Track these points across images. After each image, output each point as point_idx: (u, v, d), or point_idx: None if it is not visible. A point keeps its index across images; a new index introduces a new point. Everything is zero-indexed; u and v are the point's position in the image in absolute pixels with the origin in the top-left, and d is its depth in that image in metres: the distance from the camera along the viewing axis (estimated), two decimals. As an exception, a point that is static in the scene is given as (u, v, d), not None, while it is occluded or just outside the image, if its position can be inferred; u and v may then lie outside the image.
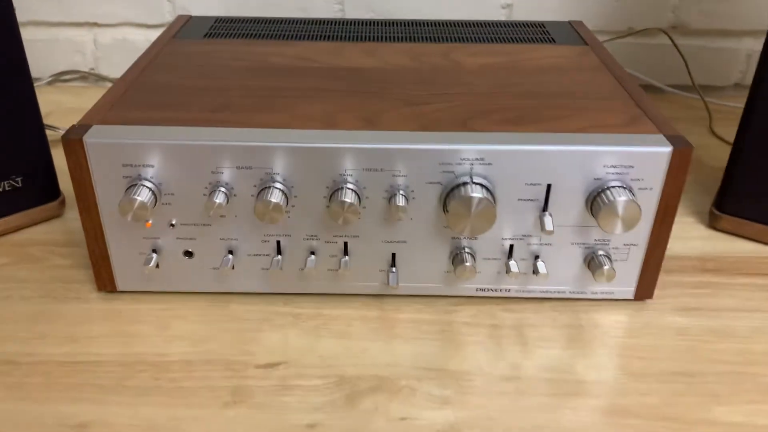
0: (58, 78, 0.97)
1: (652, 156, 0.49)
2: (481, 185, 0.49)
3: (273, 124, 0.51)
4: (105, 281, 0.55)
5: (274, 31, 0.73)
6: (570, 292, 0.56)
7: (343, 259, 0.53)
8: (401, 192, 0.50)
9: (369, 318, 0.55)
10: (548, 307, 0.56)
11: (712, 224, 0.66)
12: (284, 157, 0.49)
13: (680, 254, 0.62)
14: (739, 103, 0.90)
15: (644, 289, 0.55)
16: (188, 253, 0.54)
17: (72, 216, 0.67)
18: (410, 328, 0.54)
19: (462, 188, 0.49)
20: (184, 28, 0.73)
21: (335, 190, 0.50)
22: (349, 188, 0.50)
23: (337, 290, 0.56)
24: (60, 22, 0.92)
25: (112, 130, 0.50)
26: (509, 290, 0.56)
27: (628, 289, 0.55)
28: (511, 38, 0.71)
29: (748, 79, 0.94)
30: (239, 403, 0.47)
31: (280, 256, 0.54)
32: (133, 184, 0.50)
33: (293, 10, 0.91)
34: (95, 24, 0.92)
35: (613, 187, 0.49)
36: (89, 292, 0.57)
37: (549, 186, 0.50)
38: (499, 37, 0.72)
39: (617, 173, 0.50)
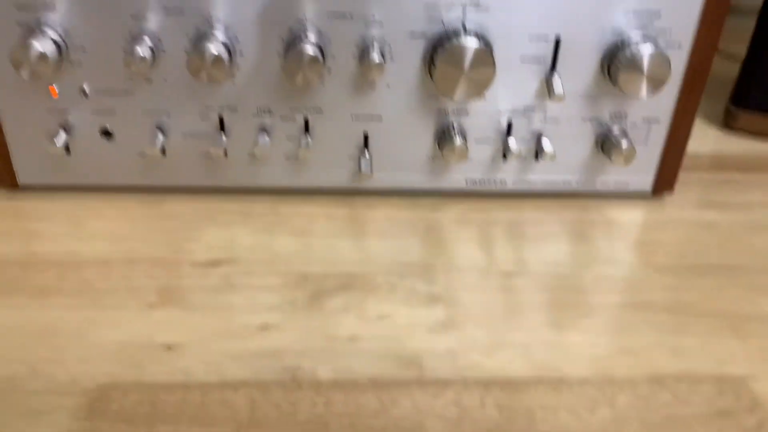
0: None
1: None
2: (477, 35, 0.39)
3: (213, -38, 0.41)
4: (2, 172, 0.44)
5: None
6: (577, 183, 0.46)
7: (303, 140, 0.43)
8: (376, 46, 0.40)
9: (336, 216, 0.44)
10: (552, 203, 0.46)
11: (729, 123, 0.58)
12: (227, -4, 0.39)
13: (696, 153, 0.54)
14: (737, 18, 0.82)
15: (665, 180, 0.46)
16: (107, 133, 0.43)
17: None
18: (387, 226, 0.44)
19: (453, 38, 0.39)
20: None
21: (292, 42, 0.39)
22: (309, 40, 0.39)
23: (297, 183, 0.45)
24: None
25: (2, -38, 0.39)
26: (505, 182, 0.46)
27: (647, 179, 0.46)
28: None
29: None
30: (168, 303, 0.36)
31: (224, 136, 0.43)
32: (30, 31, 0.39)
33: None
34: None
35: (636, 38, 0.40)
36: (-17, 189, 0.45)
37: (557, 41, 0.41)
38: None
39: (639, 22, 0.40)
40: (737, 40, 0.60)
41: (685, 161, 0.49)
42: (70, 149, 0.43)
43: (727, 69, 0.62)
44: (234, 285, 0.38)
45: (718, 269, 0.41)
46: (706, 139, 0.57)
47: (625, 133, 0.44)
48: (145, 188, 0.45)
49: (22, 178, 0.44)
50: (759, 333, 0.36)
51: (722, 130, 0.58)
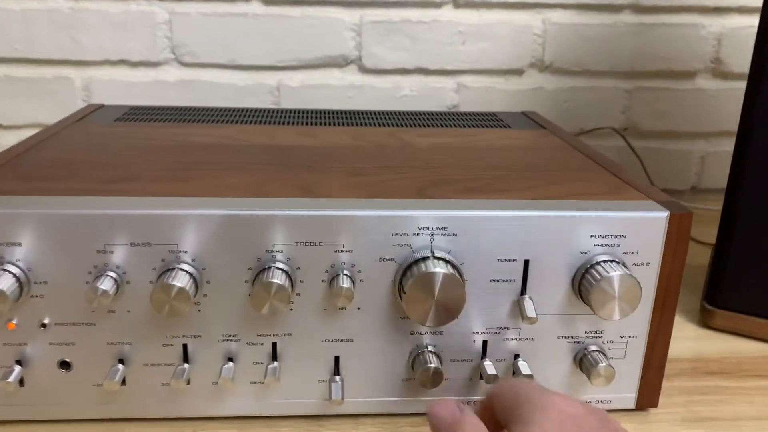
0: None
1: (646, 222, 0.41)
2: (445, 260, 0.39)
3: (184, 193, 0.41)
4: (-53, 408, 0.41)
5: (200, 116, 0.64)
6: (558, 402, 0.44)
7: (270, 366, 0.41)
8: (345, 272, 0.40)
9: (305, 446, 0.42)
10: (533, 423, 0.44)
11: (705, 321, 0.57)
12: (194, 229, 0.39)
13: (676, 356, 0.53)
14: (701, 204, 0.85)
15: (647, 396, 0.45)
16: (65, 365, 0.41)
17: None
18: (360, 457, 0.41)
19: (422, 264, 0.39)
20: (92, 114, 0.64)
21: (260, 271, 0.39)
22: (278, 268, 0.39)
23: (263, 412, 0.43)
24: (-43, 124, 0.82)
25: (-30, 200, 0.39)
26: (483, 402, 0.44)
27: (629, 396, 0.45)
28: (462, 124, 0.65)
29: (704, 182, 0.91)
30: None
31: (186, 365, 0.41)
32: (-10, 269, 0.38)
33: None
34: (-2, 126, 0.83)
35: (604, 261, 0.40)
36: (-75, 425, 0.42)
37: (527, 262, 0.41)
38: (448, 123, 0.65)
39: (607, 245, 0.41)
40: (710, 223, 0.61)
41: (667, 367, 0.48)
42: (24, 382, 0.41)
43: (701, 254, 0.63)
44: None
45: (716, 503, 0.38)
46: (685, 340, 0.56)
47: (602, 353, 0.43)
48: (102, 419, 0.42)
49: (-32, 413, 0.41)
50: None
51: (701, 327, 0.58)
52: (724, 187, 0.89)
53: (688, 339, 0.56)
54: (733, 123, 0.89)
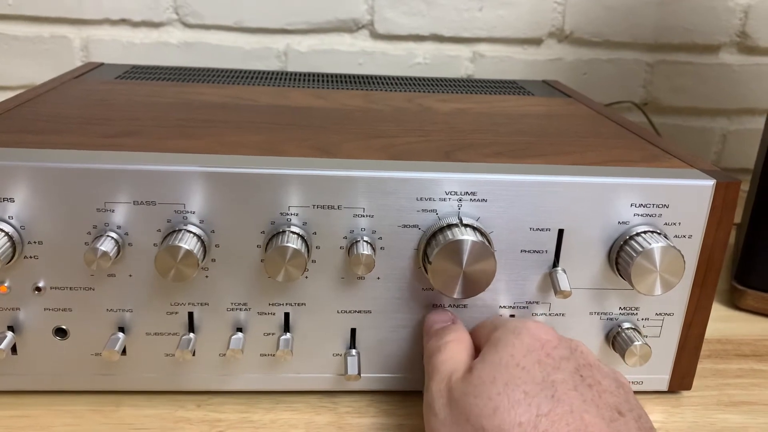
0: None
1: (691, 191, 0.38)
2: (474, 228, 0.36)
3: (191, 150, 0.38)
4: (-66, 376, 0.38)
5: (205, 77, 0.61)
6: (587, 383, 0.42)
7: (282, 337, 0.38)
8: (365, 238, 0.37)
9: (318, 425, 0.39)
10: (559, 404, 0.41)
11: (735, 302, 0.55)
12: (203, 187, 0.35)
13: (706, 337, 0.50)
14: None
15: (681, 378, 0.42)
16: (61, 332, 0.38)
17: None
18: (376, 437, 0.38)
19: (448, 231, 0.36)
20: (92, 71, 0.61)
21: (274, 235, 0.36)
22: (293, 232, 0.36)
23: (273, 386, 0.40)
24: (-50, 83, 0.78)
25: (-41, 151, 0.36)
26: (508, 381, 0.41)
27: (662, 377, 0.42)
28: (481, 91, 0.62)
29: (725, 161, 0.88)
30: None
31: (192, 335, 0.38)
32: (-20, 225, 0.35)
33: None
34: (-8, 86, 0.79)
35: (644, 232, 0.37)
36: None
37: (561, 232, 0.38)
38: (466, 90, 0.62)
39: (647, 215, 0.38)
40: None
41: (697, 348, 0.45)
42: (17, 349, 0.38)
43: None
44: None
45: (759, 492, 0.35)
46: (712, 320, 0.53)
47: (637, 330, 0.40)
48: (99, 391, 0.39)
49: (-43, 382, 0.39)
50: None
51: (729, 308, 0.55)
52: (744, 166, 0.87)
53: (715, 319, 0.53)
54: (756, 100, 0.86)
